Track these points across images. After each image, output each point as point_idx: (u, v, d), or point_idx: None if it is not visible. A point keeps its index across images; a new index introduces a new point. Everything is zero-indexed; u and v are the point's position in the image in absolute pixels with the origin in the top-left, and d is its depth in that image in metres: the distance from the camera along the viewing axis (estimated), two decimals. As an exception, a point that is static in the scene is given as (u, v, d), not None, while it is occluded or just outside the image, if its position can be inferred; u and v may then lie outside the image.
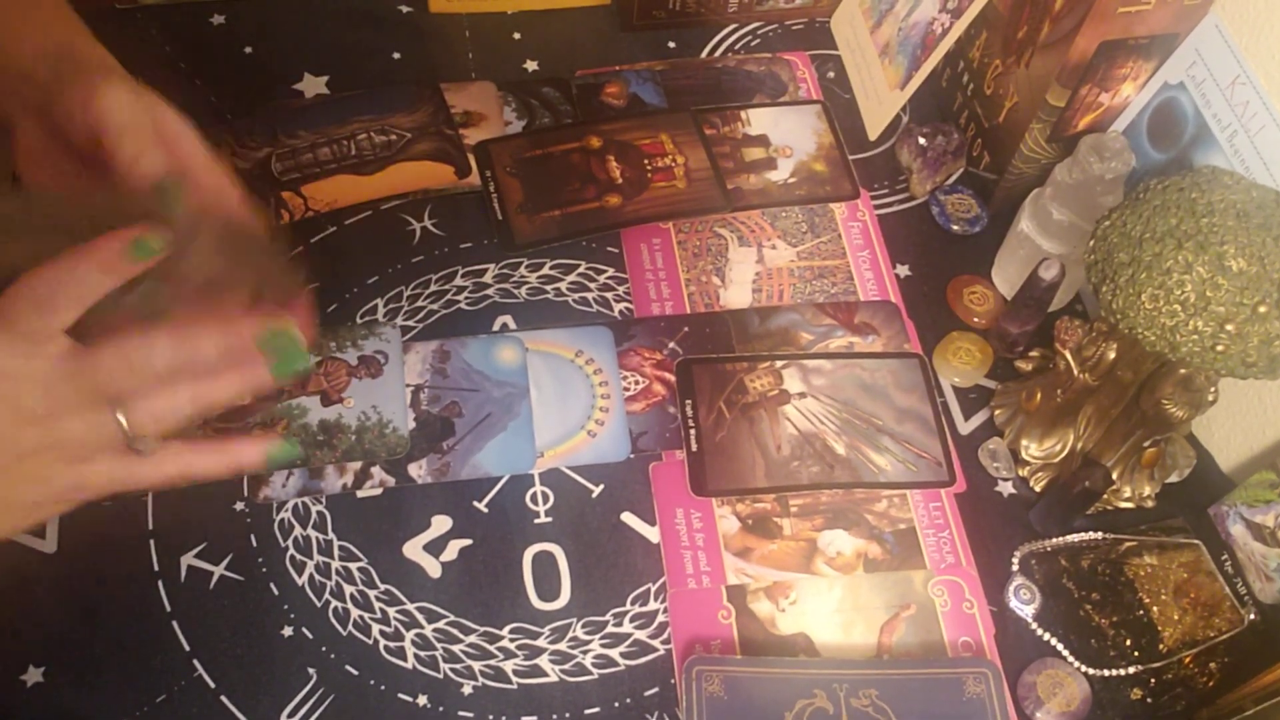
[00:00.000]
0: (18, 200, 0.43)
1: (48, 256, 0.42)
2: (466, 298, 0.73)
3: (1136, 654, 0.62)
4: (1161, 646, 0.62)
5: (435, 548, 0.64)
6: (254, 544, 0.63)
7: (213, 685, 0.58)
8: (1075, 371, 0.65)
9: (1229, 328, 0.53)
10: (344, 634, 0.61)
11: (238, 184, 0.50)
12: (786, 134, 0.83)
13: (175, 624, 0.60)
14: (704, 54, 0.89)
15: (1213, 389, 0.62)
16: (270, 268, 0.50)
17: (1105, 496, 0.67)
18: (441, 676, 0.60)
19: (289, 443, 0.49)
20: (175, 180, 0.45)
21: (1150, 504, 0.67)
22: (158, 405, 0.43)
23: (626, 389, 0.70)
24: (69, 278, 0.41)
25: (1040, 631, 0.63)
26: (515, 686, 0.60)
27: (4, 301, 0.40)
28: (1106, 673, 0.61)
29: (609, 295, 0.74)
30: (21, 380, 0.40)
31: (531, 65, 0.86)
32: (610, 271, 0.75)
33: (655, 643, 0.62)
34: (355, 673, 0.60)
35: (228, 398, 0.45)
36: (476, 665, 0.60)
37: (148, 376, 0.42)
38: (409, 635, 0.61)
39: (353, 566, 0.63)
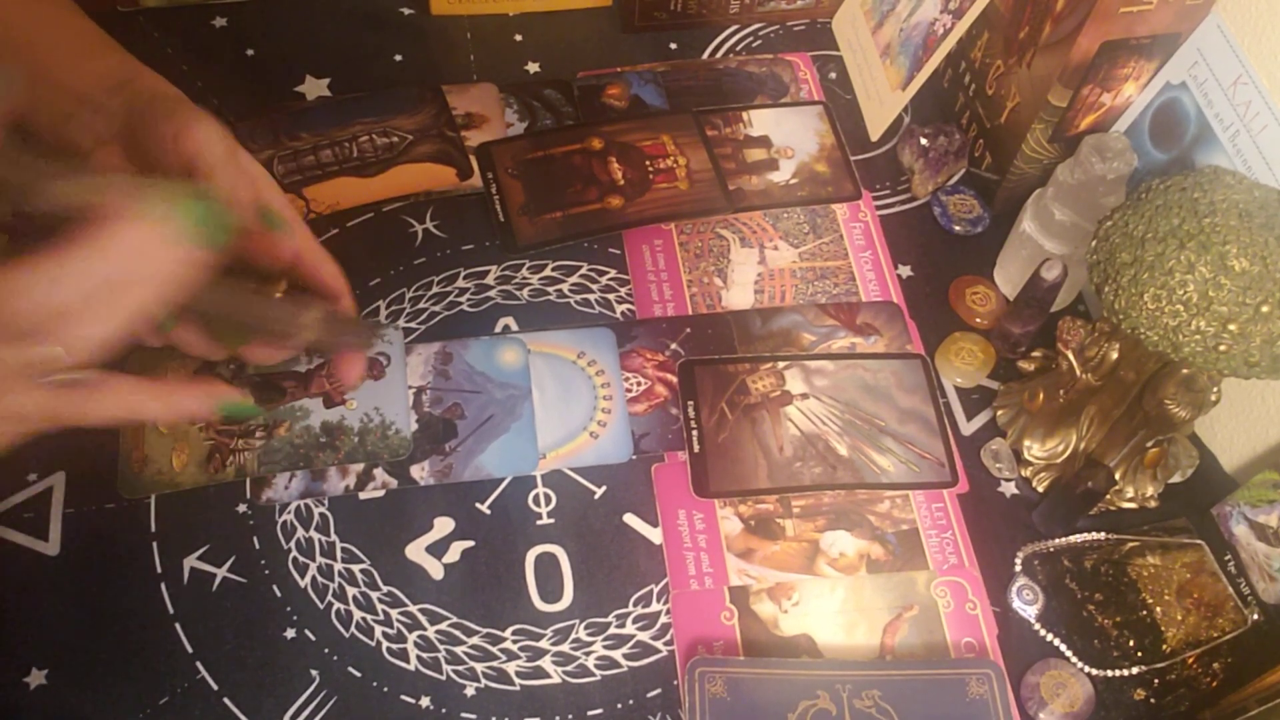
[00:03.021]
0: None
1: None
2: (468, 299, 0.73)
3: (1140, 654, 0.61)
4: (1165, 647, 0.62)
5: (438, 549, 0.64)
6: (256, 546, 0.63)
7: (215, 687, 0.58)
8: (1078, 372, 0.65)
9: (1231, 328, 0.53)
10: (346, 636, 0.61)
11: (305, 226, 0.54)
12: (788, 135, 0.83)
13: (178, 626, 0.60)
14: (705, 55, 0.89)
15: (1215, 389, 0.62)
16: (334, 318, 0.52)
17: (1108, 497, 0.67)
18: (444, 678, 0.60)
19: (247, 403, 0.48)
20: (271, 207, 0.48)
21: (1153, 504, 0.67)
22: (75, 334, 0.39)
23: (628, 390, 0.70)
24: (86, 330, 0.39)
25: (1043, 632, 0.63)
26: (518, 688, 0.60)
27: None
28: (1110, 673, 0.61)
29: (611, 297, 0.74)
30: None
31: (533, 67, 0.86)
32: (612, 273, 0.75)
33: (658, 644, 0.62)
34: (358, 674, 0.60)
35: (162, 299, 0.40)
36: (479, 667, 0.60)
37: (47, 313, 0.38)
38: (411, 637, 0.61)
39: (355, 568, 0.63)
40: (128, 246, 0.39)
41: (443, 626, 0.61)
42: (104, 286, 0.39)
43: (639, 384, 0.70)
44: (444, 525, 0.64)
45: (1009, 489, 0.69)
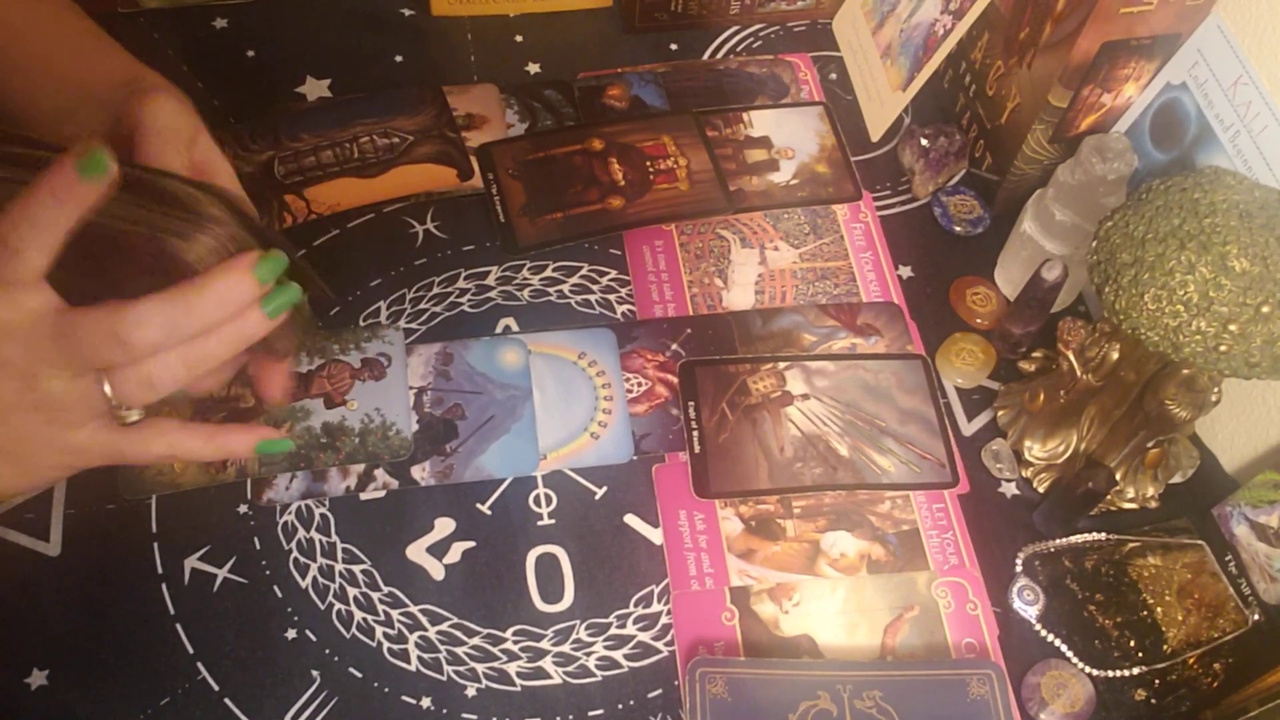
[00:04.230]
0: None
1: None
2: (469, 300, 0.73)
3: (1141, 655, 0.61)
4: (1166, 647, 0.62)
5: (438, 550, 0.64)
6: (257, 547, 0.63)
7: (216, 688, 0.58)
8: (1078, 372, 0.65)
9: (1232, 328, 0.53)
10: (347, 636, 0.61)
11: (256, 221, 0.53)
12: (789, 135, 0.83)
13: (179, 627, 0.60)
14: (706, 56, 0.89)
15: (1216, 389, 0.62)
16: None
17: (1109, 497, 0.67)
18: (445, 679, 0.60)
19: (283, 440, 0.49)
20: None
21: (1154, 505, 0.67)
22: (147, 373, 0.41)
23: (629, 391, 0.70)
24: (23, 216, 0.39)
25: (1044, 633, 0.63)
26: (519, 689, 0.60)
27: None
28: (1111, 674, 0.61)
29: (611, 297, 0.74)
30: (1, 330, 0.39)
31: (533, 68, 0.86)
32: (613, 273, 0.75)
33: (659, 644, 0.62)
34: (359, 675, 0.60)
35: (223, 355, 0.43)
36: (480, 667, 0.60)
37: (137, 349, 0.40)
38: (412, 638, 0.61)
39: (356, 569, 0.63)
40: (235, 299, 0.42)
41: (444, 627, 0.61)
42: (204, 331, 0.41)
43: (640, 384, 0.70)
44: (445, 526, 0.64)
45: (1010, 489, 0.69)
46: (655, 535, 0.65)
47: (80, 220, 0.40)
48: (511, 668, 0.60)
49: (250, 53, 0.85)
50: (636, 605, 0.63)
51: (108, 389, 0.41)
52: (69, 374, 0.40)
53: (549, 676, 0.60)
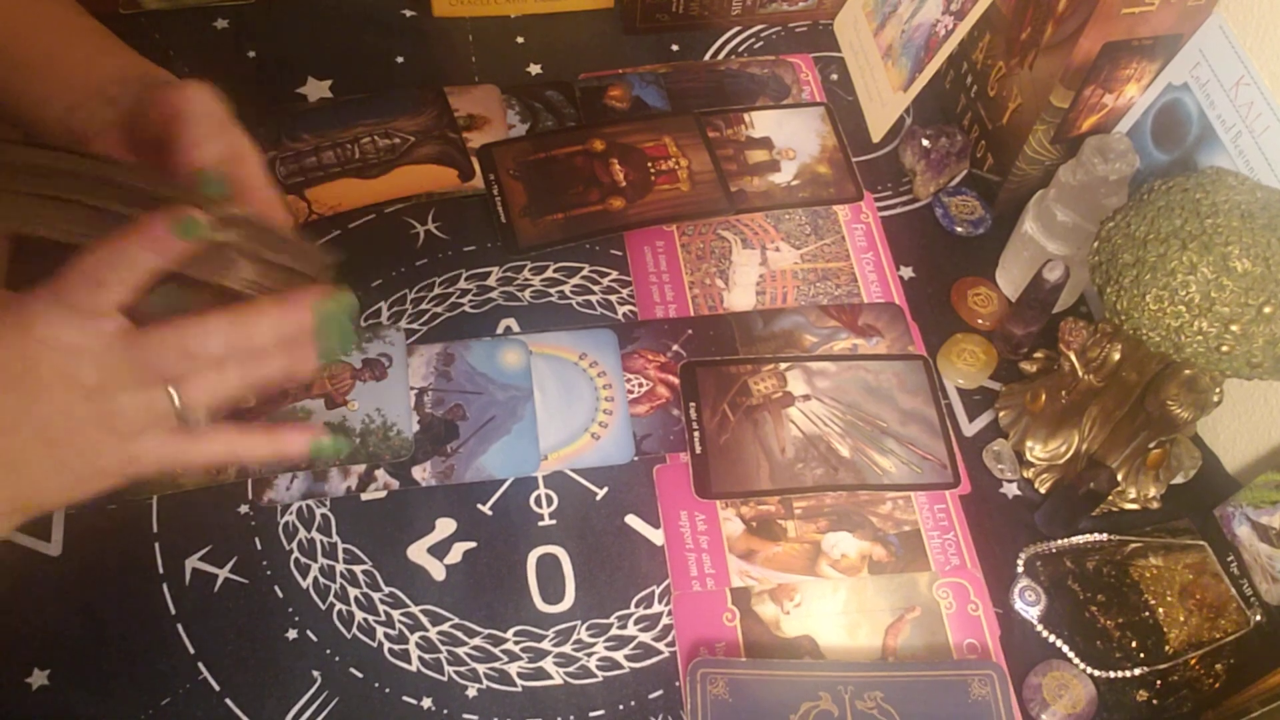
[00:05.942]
0: (72, 159, 0.44)
1: (98, 220, 0.43)
2: (470, 301, 0.73)
3: (1142, 656, 0.61)
4: (1167, 648, 0.61)
5: (439, 550, 0.64)
6: (258, 547, 0.63)
7: (217, 688, 0.58)
8: (1080, 373, 0.65)
9: (1234, 328, 0.53)
10: (348, 637, 0.61)
11: (285, 212, 0.54)
12: (790, 136, 0.83)
13: (180, 627, 0.60)
14: (707, 56, 0.89)
15: (1218, 390, 0.62)
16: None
17: (1110, 498, 0.67)
18: (446, 679, 0.60)
19: (335, 439, 0.51)
20: (220, 173, 0.48)
21: (1155, 505, 0.67)
22: (208, 383, 0.45)
23: (630, 391, 0.70)
24: (118, 257, 0.42)
25: (1045, 633, 0.62)
26: (520, 689, 0.60)
27: (59, 279, 0.42)
28: (1112, 674, 0.61)
29: (613, 298, 0.74)
30: (77, 354, 0.42)
31: (535, 68, 0.86)
32: (614, 274, 0.75)
33: (660, 645, 0.62)
34: (360, 675, 0.60)
35: (273, 377, 0.46)
36: (481, 668, 0.60)
37: (201, 360, 0.44)
38: (413, 638, 0.61)
39: (357, 569, 0.63)
40: (289, 326, 0.45)
41: (444, 627, 0.61)
42: (260, 351, 0.45)
43: (641, 385, 0.70)
44: (446, 526, 0.64)
45: (1011, 490, 0.69)
46: (656, 536, 0.65)
47: (166, 269, 0.43)
48: (512, 668, 0.60)
49: (251, 53, 0.85)
50: (637, 606, 0.63)
51: (175, 395, 0.44)
52: (139, 388, 0.43)
53: (550, 677, 0.60)
